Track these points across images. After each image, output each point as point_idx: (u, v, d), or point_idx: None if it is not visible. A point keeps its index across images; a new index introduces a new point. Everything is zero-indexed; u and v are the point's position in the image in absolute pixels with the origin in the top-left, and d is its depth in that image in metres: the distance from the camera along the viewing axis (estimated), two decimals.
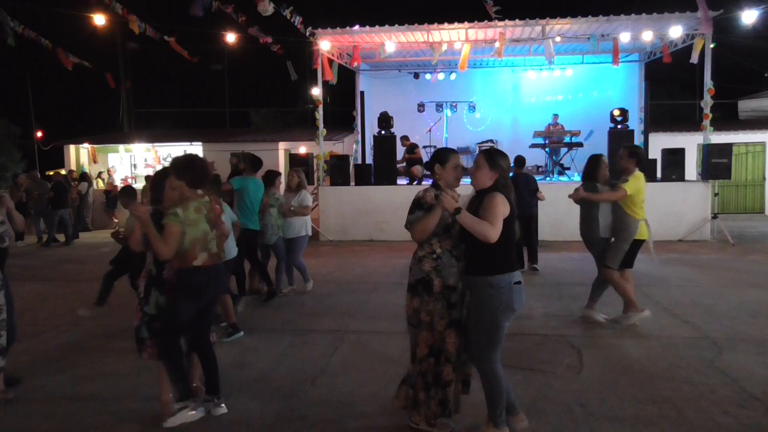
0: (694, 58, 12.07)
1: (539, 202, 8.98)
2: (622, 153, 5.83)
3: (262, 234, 7.26)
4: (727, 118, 22.22)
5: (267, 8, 10.45)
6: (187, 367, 3.88)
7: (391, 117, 13.42)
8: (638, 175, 5.69)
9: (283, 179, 7.72)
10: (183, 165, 3.79)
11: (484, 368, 3.38)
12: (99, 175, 18.12)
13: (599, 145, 14.04)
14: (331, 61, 13.76)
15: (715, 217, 11.95)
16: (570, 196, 6.05)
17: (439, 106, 16.64)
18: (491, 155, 3.42)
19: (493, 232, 3.21)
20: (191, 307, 3.74)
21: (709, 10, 11.49)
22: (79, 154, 19.18)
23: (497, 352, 3.38)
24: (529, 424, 3.55)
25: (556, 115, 15.38)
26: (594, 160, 6.05)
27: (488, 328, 3.33)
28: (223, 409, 3.88)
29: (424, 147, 15.53)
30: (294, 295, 7.42)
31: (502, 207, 3.26)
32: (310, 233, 7.58)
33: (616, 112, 13.16)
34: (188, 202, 3.72)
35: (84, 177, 16.37)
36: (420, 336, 3.50)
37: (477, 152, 14.87)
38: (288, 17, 11.86)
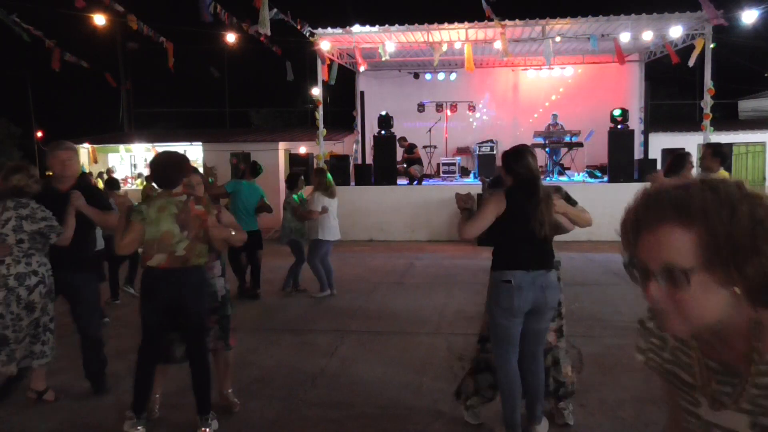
0: (692, 62, 12.06)
1: None
2: (705, 152, 5.57)
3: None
4: (727, 118, 22.23)
5: (264, 30, 10.53)
6: (150, 381, 3.64)
7: (391, 117, 13.43)
8: (721, 176, 5.45)
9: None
10: (152, 163, 3.74)
11: (494, 363, 3.46)
12: (99, 175, 18.12)
13: (599, 145, 14.07)
14: (331, 62, 13.77)
15: None
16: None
17: (439, 106, 16.63)
18: (506, 159, 3.45)
19: (463, 229, 3.38)
20: (148, 308, 3.58)
21: (702, 12, 11.51)
22: (79, 154, 19.18)
23: (505, 351, 3.35)
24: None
25: (555, 115, 15.38)
26: (679, 159, 5.60)
27: (491, 324, 3.43)
28: (211, 428, 3.60)
29: (424, 147, 15.54)
30: (295, 296, 7.43)
31: (490, 206, 3.32)
32: (324, 237, 7.20)
33: (616, 112, 13.16)
34: (154, 199, 3.63)
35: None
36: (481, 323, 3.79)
37: (477, 152, 14.91)
38: (288, 21, 11.87)
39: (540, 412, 3.47)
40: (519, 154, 3.41)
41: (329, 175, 7.51)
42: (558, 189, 3.66)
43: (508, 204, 3.29)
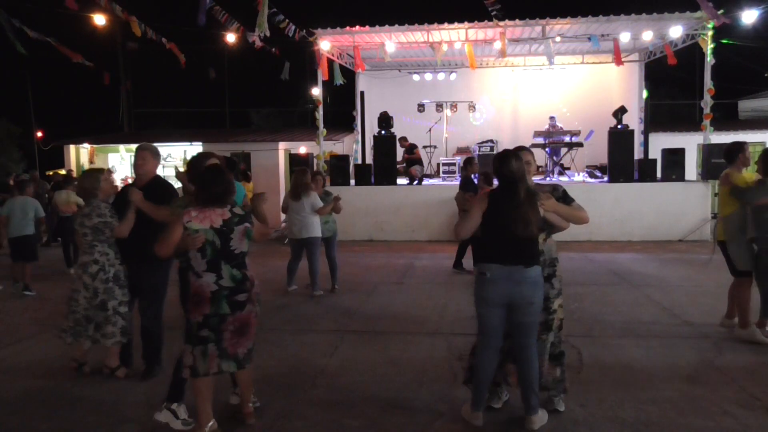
0: (709, 57, 12.02)
1: None
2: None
3: None
4: (727, 118, 22.25)
5: (263, 33, 10.59)
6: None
7: (391, 117, 13.42)
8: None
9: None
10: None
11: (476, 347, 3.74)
12: None
13: (599, 145, 14.08)
14: (331, 62, 13.76)
15: (715, 217, 11.94)
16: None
17: (439, 106, 16.62)
18: (494, 162, 3.67)
19: (457, 229, 3.76)
20: None
21: (710, 4, 11.45)
22: (79, 154, 19.18)
23: (484, 338, 3.62)
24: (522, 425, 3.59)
25: (552, 117, 15.34)
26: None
27: (476, 312, 3.68)
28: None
29: (424, 147, 15.53)
30: (294, 295, 7.43)
31: (476, 207, 3.62)
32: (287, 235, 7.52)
33: (617, 112, 13.16)
34: None
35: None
36: None
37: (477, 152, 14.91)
38: (288, 29, 11.89)
39: (535, 402, 3.58)
40: (504, 157, 3.63)
41: (304, 178, 7.27)
42: (555, 188, 3.84)
43: (489, 203, 3.57)
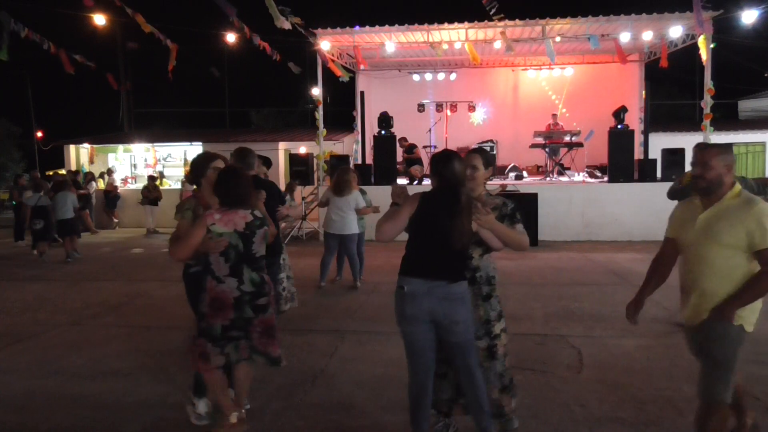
0: (705, 58, 12.02)
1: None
2: None
3: None
4: (727, 118, 22.27)
5: (284, 25, 10.62)
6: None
7: (391, 117, 13.42)
8: None
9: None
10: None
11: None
12: (101, 175, 18.15)
13: (599, 145, 14.08)
14: (332, 61, 13.78)
15: None
16: None
17: (439, 106, 16.63)
18: (432, 161, 3.25)
19: (378, 228, 3.27)
20: None
21: (703, 12, 11.45)
22: (79, 154, 19.19)
23: (411, 359, 3.26)
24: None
25: (554, 115, 15.36)
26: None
27: None
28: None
29: (424, 147, 15.54)
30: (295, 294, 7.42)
31: (405, 208, 3.18)
32: (325, 229, 7.89)
33: (617, 112, 13.17)
34: None
35: (92, 177, 16.51)
36: None
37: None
38: (296, 26, 11.89)
39: (488, 425, 3.18)
40: (446, 158, 3.19)
41: (348, 175, 7.80)
42: (505, 204, 3.40)
43: (418, 207, 3.13)
